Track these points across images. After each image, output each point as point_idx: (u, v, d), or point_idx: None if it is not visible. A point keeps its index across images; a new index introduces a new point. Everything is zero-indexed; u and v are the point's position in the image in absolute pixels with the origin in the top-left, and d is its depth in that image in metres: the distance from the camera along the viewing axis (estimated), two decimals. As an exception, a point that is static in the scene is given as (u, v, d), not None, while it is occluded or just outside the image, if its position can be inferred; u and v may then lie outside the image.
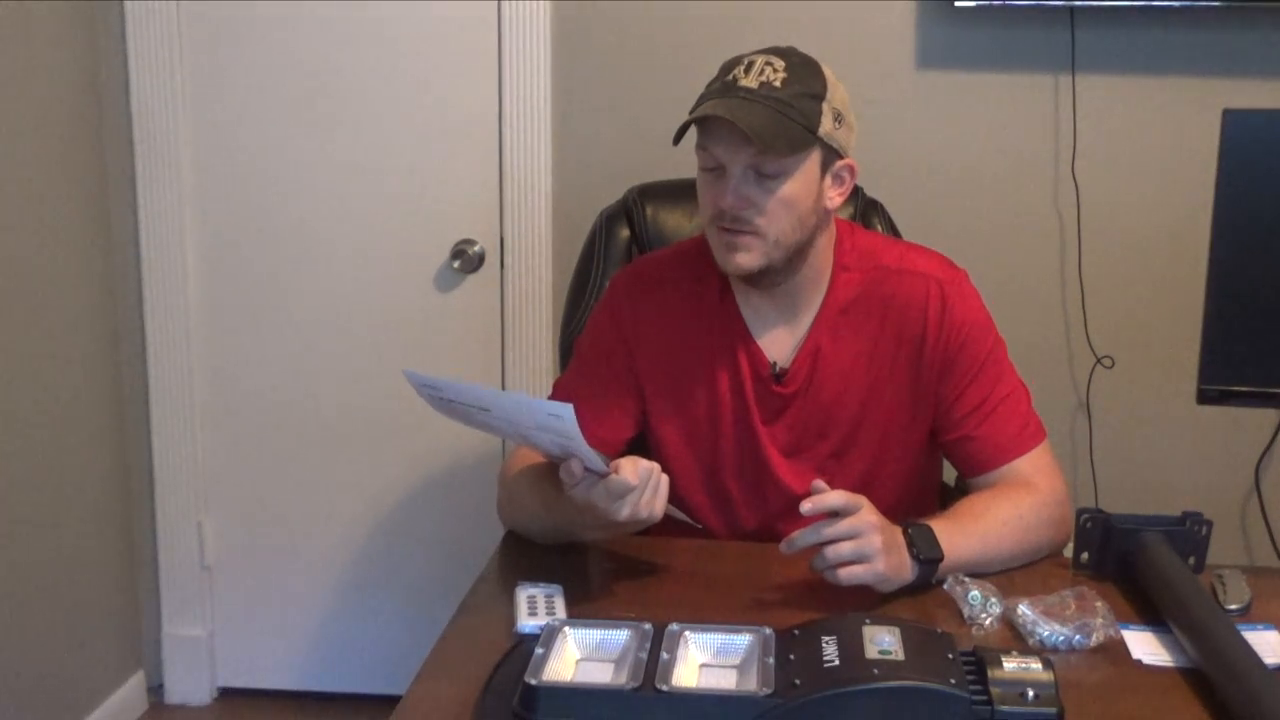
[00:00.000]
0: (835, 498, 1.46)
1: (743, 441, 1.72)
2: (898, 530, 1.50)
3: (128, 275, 2.71)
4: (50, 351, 2.51)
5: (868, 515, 1.46)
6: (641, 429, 1.78)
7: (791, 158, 1.57)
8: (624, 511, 1.45)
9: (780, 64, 1.59)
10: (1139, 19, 2.42)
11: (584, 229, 2.12)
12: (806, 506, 1.45)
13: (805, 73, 1.60)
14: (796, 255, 1.64)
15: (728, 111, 1.54)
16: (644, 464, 1.47)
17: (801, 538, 1.46)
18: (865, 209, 2.06)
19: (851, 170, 1.66)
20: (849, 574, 1.44)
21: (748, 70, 1.58)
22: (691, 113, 1.60)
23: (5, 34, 2.34)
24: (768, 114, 1.55)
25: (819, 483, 1.49)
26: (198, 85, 2.65)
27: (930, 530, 1.51)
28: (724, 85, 1.59)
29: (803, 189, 1.60)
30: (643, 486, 1.46)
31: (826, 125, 1.59)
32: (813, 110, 1.58)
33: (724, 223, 1.60)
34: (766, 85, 1.57)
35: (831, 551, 1.44)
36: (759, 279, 1.65)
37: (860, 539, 1.44)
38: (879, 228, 2.04)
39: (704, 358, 1.73)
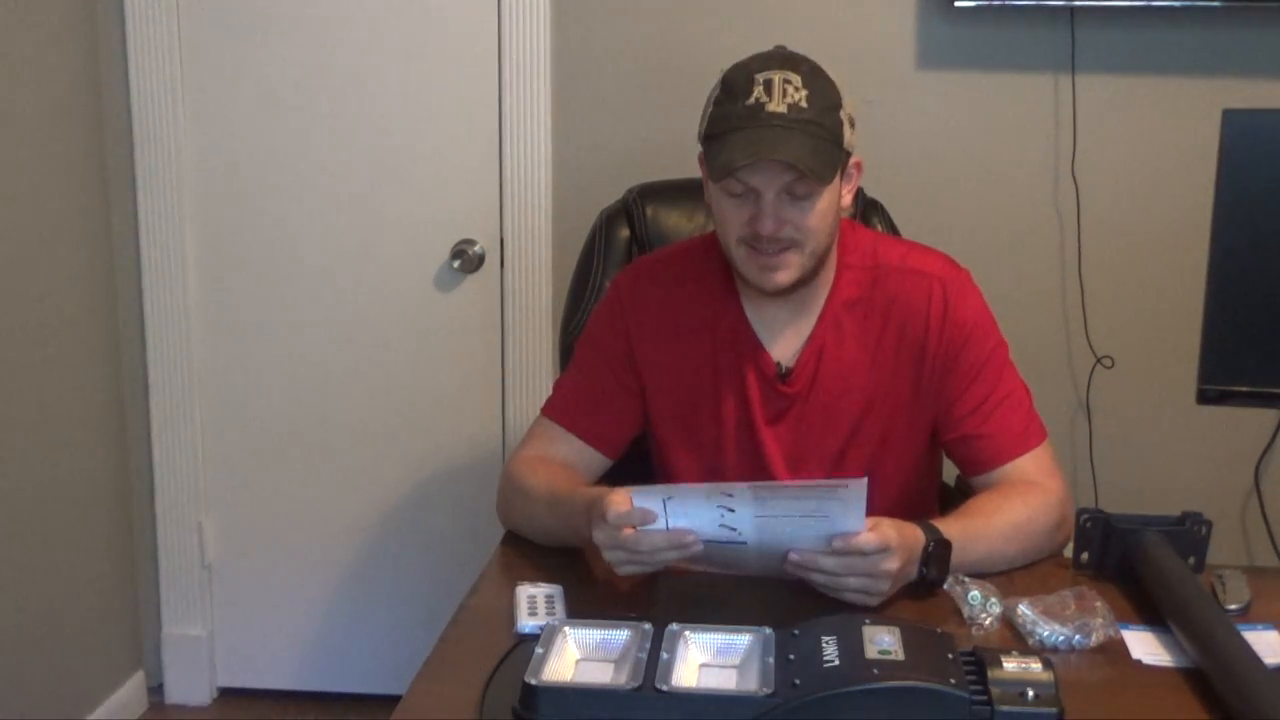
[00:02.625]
0: (869, 543, 1.39)
1: (744, 441, 1.72)
2: (918, 544, 1.46)
3: (128, 275, 2.71)
4: (50, 351, 2.50)
5: (891, 564, 1.40)
6: (643, 428, 1.78)
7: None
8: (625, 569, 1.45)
9: (797, 79, 1.57)
10: (1139, 19, 2.42)
11: (584, 229, 2.12)
12: (838, 544, 1.39)
13: (821, 84, 1.59)
14: (821, 259, 1.65)
15: (774, 149, 1.52)
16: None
17: (813, 564, 1.41)
18: (865, 209, 2.06)
19: (859, 167, 1.67)
20: (841, 596, 1.42)
21: (768, 90, 1.56)
22: (712, 138, 1.58)
23: (5, 33, 2.34)
24: (808, 142, 1.54)
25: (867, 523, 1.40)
26: (198, 85, 2.65)
27: (949, 550, 1.47)
28: (750, 111, 1.55)
29: (832, 201, 1.61)
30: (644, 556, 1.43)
31: (848, 135, 1.60)
32: (838, 124, 1.59)
33: (759, 244, 1.59)
34: (795, 108, 1.55)
35: (836, 582, 1.41)
36: (793, 289, 1.64)
37: (873, 580, 1.41)
38: (879, 228, 2.04)
39: (707, 357, 1.73)
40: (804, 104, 1.55)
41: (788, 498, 1.41)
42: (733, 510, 1.39)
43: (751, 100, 1.56)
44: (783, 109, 1.55)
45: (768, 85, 1.56)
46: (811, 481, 1.44)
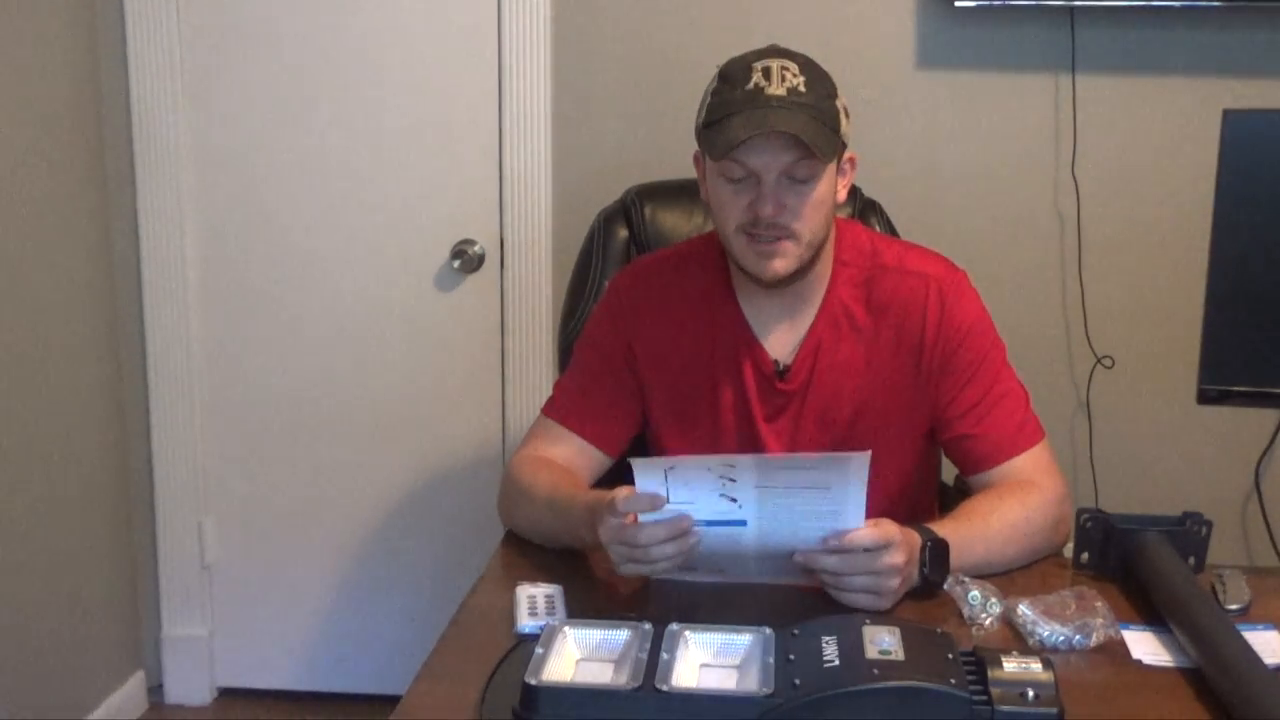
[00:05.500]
0: (866, 538, 1.40)
1: (744, 440, 1.72)
2: (916, 543, 1.46)
3: (128, 275, 2.71)
4: (50, 351, 2.50)
5: (895, 558, 1.40)
6: (642, 428, 1.78)
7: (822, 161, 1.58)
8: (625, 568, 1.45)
9: (794, 67, 1.59)
10: (1139, 19, 2.42)
11: (584, 229, 2.12)
12: (832, 541, 1.40)
13: (817, 74, 1.61)
14: (817, 252, 1.65)
15: (776, 124, 1.53)
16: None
17: (815, 563, 1.42)
18: (864, 209, 2.06)
19: (853, 162, 1.68)
20: (851, 600, 1.42)
21: (767, 76, 1.57)
22: (711, 125, 1.58)
23: (5, 34, 2.34)
24: (809, 121, 1.55)
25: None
26: (198, 85, 2.65)
27: (947, 550, 1.47)
28: (749, 95, 1.57)
29: (828, 189, 1.62)
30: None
31: (844, 125, 1.62)
32: (834, 112, 1.60)
33: (758, 230, 1.59)
34: (794, 91, 1.57)
35: (843, 583, 1.41)
36: (788, 281, 1.65)
37: (879, 578, 1.40)
38: (877, 228, 2.04)
39: (706, 356, 1.73)
40: (802, 89, 1.58)
41: (790, 468, 1.42)
42: (734, 480, 1.39)
43: (750, 85, 1.58)
44: (782, 92, 1.57)
45: (766, 72, 1.58)
46: (815, 454, 1.44)
